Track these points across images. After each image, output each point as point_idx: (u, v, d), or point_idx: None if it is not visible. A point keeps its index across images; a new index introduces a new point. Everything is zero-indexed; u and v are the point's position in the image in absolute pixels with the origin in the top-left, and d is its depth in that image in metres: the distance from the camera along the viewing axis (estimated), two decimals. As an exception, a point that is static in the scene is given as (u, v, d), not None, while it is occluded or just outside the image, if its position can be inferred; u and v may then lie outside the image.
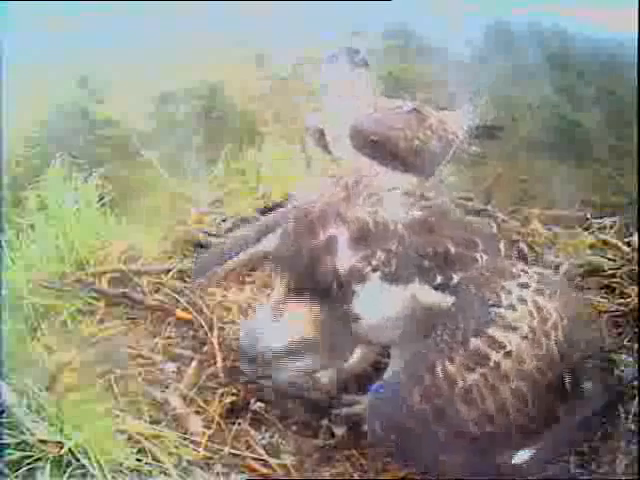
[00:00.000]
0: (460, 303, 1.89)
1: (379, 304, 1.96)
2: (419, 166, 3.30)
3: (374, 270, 1.94)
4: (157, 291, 2.84)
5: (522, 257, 3.03)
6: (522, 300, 1.85)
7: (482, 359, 1.74)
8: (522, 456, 1.83)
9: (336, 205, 2.02)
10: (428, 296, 1.94)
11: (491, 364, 1.74)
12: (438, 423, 1.70)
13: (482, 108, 3.75)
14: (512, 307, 1.83)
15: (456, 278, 1.93)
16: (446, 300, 1.92)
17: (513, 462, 1.81)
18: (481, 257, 1.99)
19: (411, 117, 3.42)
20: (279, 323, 2.02)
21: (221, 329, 2.65)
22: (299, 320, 2.01)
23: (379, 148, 3.27)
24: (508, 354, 1.75)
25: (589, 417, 2.00)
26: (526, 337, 1.78)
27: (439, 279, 1.93)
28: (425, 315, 1.95)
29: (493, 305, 1.83)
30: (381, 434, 1.76)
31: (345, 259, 1.94)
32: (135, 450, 2.08)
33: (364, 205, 2.02)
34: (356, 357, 2.29)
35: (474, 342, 1.76)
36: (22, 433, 2.00)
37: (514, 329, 1.79)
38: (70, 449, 1.97)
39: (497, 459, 1.79)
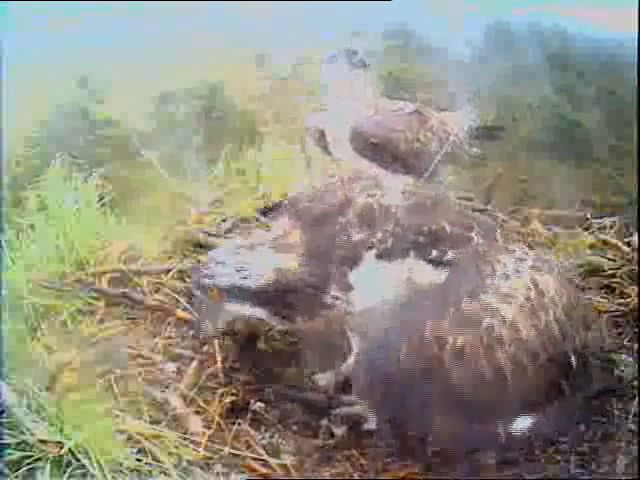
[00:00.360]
0: (453, 274, 1.91)
1: (374, 283, 2.00)
2: (420, 168, 3.28)
3: (369, 248, 2.00)
4: (157, 291, 2.84)
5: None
6: (518, 272, 1.84)
7: (474, 322, 1.72)
8: (522, 423, 1.79)
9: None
10: (423, 272, 1.96)
11: (484, 326, 1.71)
12: (426, 380, 1.68)
13: (482, 109, 3.75)
14: (506, 277, 1.82)
15: (450, 254, 1.98)
16: (440, 277, 1.94)
17: (512, 430, 1.77)
18: (477, 237, 2.04)
19: (412, 119, 3.40)
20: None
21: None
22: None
23: (379, 150, 3.26)
24: (502, 320, 1.72)
25: (594, 397, 2.02)
26: (522, 307, 1.76)
27: (434, 253, 1.98)
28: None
29: (487, 275, 1.82)
30: (366, 387, 1.77)
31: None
32: (135, 450, 2.08)
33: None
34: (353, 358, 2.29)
35: (467, 304, 1.74)
36: (22, 433, 2.00)
37: (509, 298, 1.76)
38: (70, 449, 1.97)
39: (493, 427, 1.76)
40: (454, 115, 3.62)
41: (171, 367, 2.50)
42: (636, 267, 2.97)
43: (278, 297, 2.10)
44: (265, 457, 2.16)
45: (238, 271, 2.08)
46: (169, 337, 2.64)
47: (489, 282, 1.80)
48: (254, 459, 2.15)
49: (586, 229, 3.45)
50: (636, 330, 2.66)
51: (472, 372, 1.67)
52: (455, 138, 3.47)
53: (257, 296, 2.10)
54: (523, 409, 1.78)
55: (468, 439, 1.73)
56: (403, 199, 2.11)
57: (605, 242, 3.28)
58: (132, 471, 2.01)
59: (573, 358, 1.82)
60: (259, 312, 2.18)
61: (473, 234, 2.05)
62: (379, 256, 2.00)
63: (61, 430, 2.02)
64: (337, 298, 2.06)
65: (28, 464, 1.94)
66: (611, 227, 3.43)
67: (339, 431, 2.26)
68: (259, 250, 2.12)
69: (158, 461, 2.06)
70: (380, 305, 1.94)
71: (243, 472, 2.11)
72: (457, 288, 1.81)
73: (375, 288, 2.01)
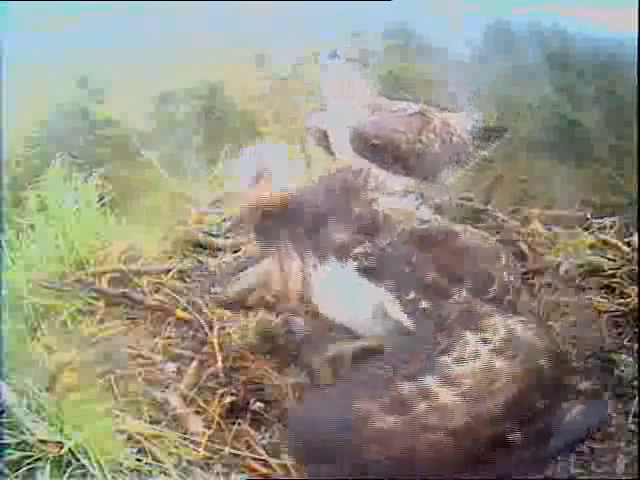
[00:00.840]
0: (411, 338, 1.81)
1: (348, 291, 1.95)
2: (421, 170, 3.25)
3: (354, 259, 1.93)
4: (157, 291, 2.84)
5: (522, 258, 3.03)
6: (475, 355, 1.71)
7: (404, 406, 1.63)
8: None
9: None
10: (393, 309, 1.88)
11: (413, 413, 1.62)
12: (344, 456, 1.63)
13: (482, 108, 3.74)
14: (461, 360, 1.70)
15: (424, 305, 1.85)
16: (407, 323, 1.85)
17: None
18: (459, 294, 1.87)
19: (414, 120, 3.36)
20: None
21: (221, 329, 2.65)
22: None
23: (380, 151, 3.24)
24: (435, 408, 1.62)
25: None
26: (464, 394, 1.65)
27: (411, 296, 1.87)
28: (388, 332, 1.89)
29: (442, 353, 1.71)
30: (294, 446, 1.76)
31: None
32: (135, 450, 2.08)
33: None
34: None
35: (402, 386, 1.65)
36: (22, 433, 2.00)
37: (454, 384, 1.66)
38: (70, 449, 1.98)
39: None
40: (458, 116, 3.58)
41: (171, 367, 2.50)
42: (636, 267, 2.97)
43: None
44: (265, 457, 2.16)
45: None
46: (169, 337, 2.64)
47: (440, 362, 1.70)
48: (254, 459, 2.15)
49: (586, 229, 3.45)
50: (636, 330, 2.66)
51: (386, 456, 1.62)
52: (459, 139, 3.45)
53: None
54: None
55: None
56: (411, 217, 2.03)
57: (605, 242, 3.28)
58: (132, 471, 2.01)
59: (511, 439, 1.69)
60: None
61: (456, 290, 1.87)
62: (358, 269, 1.93)
63: (61, 430, 2.02)
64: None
65: (28, 464, 1.95)
66: (611, 227, 3.42)
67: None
68: None
69: (158, 461, 2.06)
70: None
71: (243, 472, 2.11)
72: (402, 362, 1.72)
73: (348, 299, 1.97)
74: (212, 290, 2.82)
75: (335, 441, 1.64)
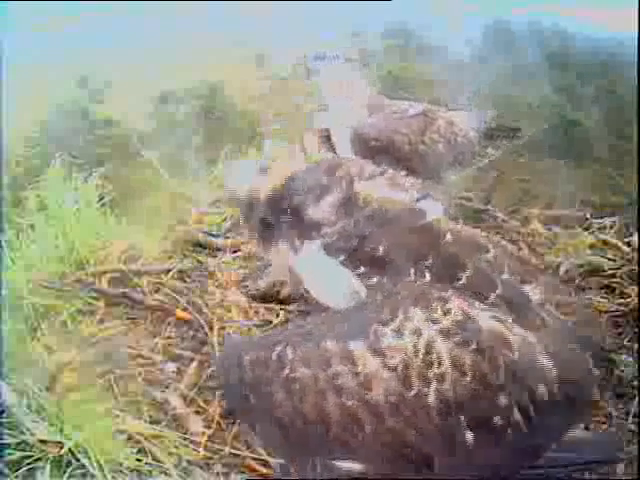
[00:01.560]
0: (355, 307, 1.79)
1: (318, 266, 1.98)
2: (425, 170, 3.23)
3: (322, 236, 1.98)
4: (157, 291, 2.84)
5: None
6: (416, 333, 1.61)
7: (322, 362, 1.59)
8: (349, 466, 1.62)
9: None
10: (356, 284, 1.89)
11: (329, 371, 1.57)
12: (254, 397, 1.64)
13: (482, 108, 3.74)
14: (398, 333, 1.61)
15: (375, 279, 1.84)
16: (363, 294, 1.85)
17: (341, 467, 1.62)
18: (418, 274, 1.80)
19: (416, 121, 3.33)
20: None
21: (221, 329, 2.65)
22: None
23: (380, 153, 3.22)
24: (355, 373, 1.57)
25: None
26: (393, 369, 1.57)
27: (361, 270, 1.88)
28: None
29: (380, 323, 1.63)
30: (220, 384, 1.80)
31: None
32: (135, 450, 2.09)
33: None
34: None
35: (327, 344, 1.61)
36: (22, 433, 2.00)
37: (381, 355, 1.58)
38: (70, 449, 1.98)
39: (317, 460, 1.63)
40: (464, 115, 3.55)
41: (171, 367, 2.50)
42: (636, 267, 2.98)
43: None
44: (265, 457, 2.16)
45: None
46: (169, 337, 2.64)
47: (374, 330, 1.62)
48: (254, 459, 2.15)
49: (586, 229, 3.45)
50: (636, 330, 2.66)
51: (293, 406, 1.59)
52: (464, 139, 3.42)
53: None
54: (349, 454, 1.61)
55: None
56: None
57: (605, 242, 3.28)
58: (132, 471, 2.02)
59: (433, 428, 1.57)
60: None
61: (411, 268, 1.82)
62: (324, 247, 1.97)
63: (61, 430, 2.03)
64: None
65: (28, 464, 1.95)
66: (611, 227, 3.43)
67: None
68: None
69: (158, 461, 2.07)
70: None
71: (243, 472, 2.12)
72: (335, 324, 1.68)
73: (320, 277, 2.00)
74: (243, 284, 2.88)
75: (250, 380, 1.65)
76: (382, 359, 1.58)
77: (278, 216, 2.10)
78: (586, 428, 2.27)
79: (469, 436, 1.57)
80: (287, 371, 1.60)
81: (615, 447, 1.99)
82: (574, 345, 1.83)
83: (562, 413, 1.69)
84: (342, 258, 1.91)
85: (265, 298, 2.80)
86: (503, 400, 1.60)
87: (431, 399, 1.56)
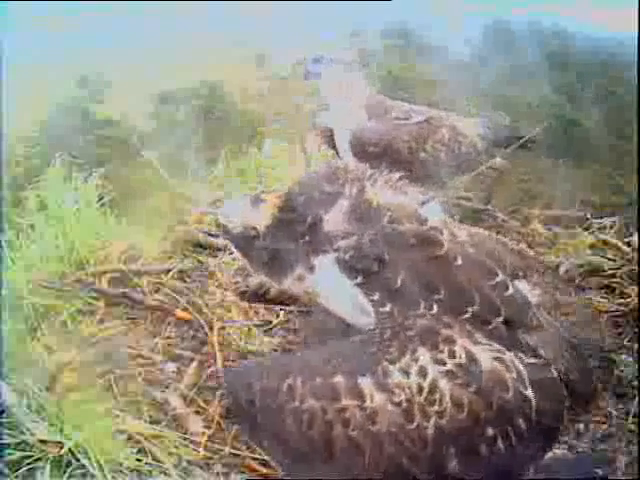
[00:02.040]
0: (366, 338, 1.80)
1: (332, 281, 1.94)
2: (426, 177, 3.18)
3: (335, 250, 1.92)
4: (157, 291, 2.85)
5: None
6: (421, 373, 1.68)
7: (331, 396, 1.65)
8: None
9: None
10: (367, 305, 1.87)
11: (337, 406, 1.64)
12: (263, 419, 1.69)
13: (481, 108, 3.73)
14: (405, 372, 1.68)
15: (388, 307, 1.82)
16: (370, 322, 1.84)
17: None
18: (428, 307, 1.80)
19: (418, 129, 3.27)
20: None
21: (221, 329, 2.65)
22: None
23: (378, 158, 3.18)
24: (361, 408, 1.63)
25: None
26: (397, 404, 1.64)
27: (376, 297, 1.84)
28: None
29: (388, 361, 1.69)
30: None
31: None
32: (135, 450, 2.09)
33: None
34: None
35: (335, 379, 1.67)
36: (22, 433, 2.00)
37: (387, 391, 1.65)
38: (70, 449, 1.98)
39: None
40: (473, 122, 3.47)
41: (171, 367, 2.51)
42: (636, 267, 2.98)
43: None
44: (265, 457, 2.16)
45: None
46: (169, 337, 2.64)
47: (382, 367, 1.68)
48: (254, 459, 2.15)
49: (586, 229, 3.45)
50: (636, 330, 2.67)
51: (300, 434, 1.66)
52: (468, 148, 3.37)
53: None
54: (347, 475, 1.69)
55: None
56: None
57: (605, 242, 3.28)
58: (132, 471, 2.02)
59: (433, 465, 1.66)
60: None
61: (423, 303, 1.81)
62: (337, 261, 1.91)
63: (61, 430, 2.03)
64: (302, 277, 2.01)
65: (28, 464, 1.95)
66: (611, 227, 3.43)
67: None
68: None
69: (158, 461, 2.07)
70: None
71: (243, 472, 2.12)
72: (345, 358, 1.73)
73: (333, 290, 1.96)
74: (232, 281, 2.86)
75: (259, 405, 1.70)
76: (388, 395, 1.66)
77: (287, 239, 2.01)
78: (586, 428, 2.28)
79: (456, 464, 1.66)
80: (297, 403, 1.67)
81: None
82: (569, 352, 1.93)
83: (538, 440, 1.77)
84: (358, 281, 1.88)
85: (253, 297, 2.75)
86: (490, 432, 1.69)
87: (429, 432, 1.65)
